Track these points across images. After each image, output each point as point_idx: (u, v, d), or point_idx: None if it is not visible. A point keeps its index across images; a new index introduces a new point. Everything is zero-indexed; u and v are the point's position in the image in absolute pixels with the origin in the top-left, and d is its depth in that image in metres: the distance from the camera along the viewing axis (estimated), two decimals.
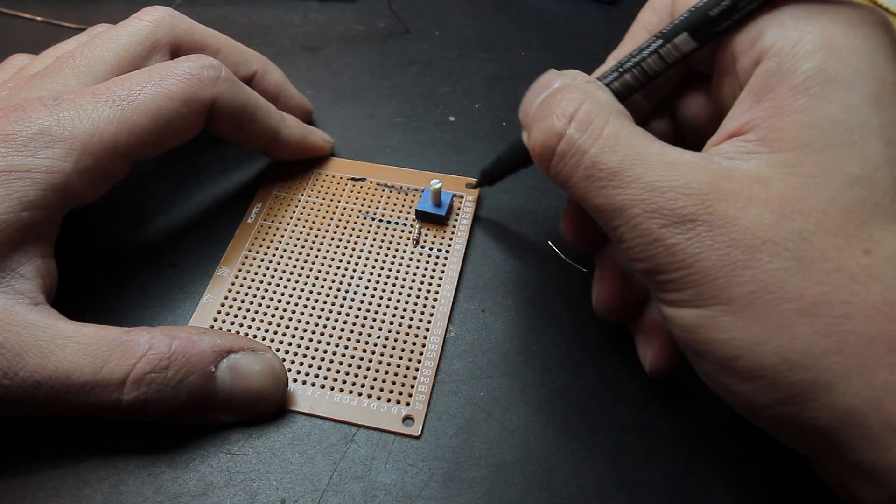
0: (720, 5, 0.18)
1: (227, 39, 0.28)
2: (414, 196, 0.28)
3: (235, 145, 0.27)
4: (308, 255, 0.26)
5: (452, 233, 0.27)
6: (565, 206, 0.23)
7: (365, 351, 0.24)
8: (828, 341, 0.15)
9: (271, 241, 0.27)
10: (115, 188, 0.23)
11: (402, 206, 0.28)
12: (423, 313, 0.25)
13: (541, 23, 0.38)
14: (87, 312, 0.24)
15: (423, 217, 0.27)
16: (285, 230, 0.27)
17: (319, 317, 0.24)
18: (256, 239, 0.27)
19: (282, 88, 0.30)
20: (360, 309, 0.25)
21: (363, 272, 0.26)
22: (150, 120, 0.22)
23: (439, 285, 0.25)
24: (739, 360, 0.16)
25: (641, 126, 0.19)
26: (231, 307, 0.25)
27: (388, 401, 0.22)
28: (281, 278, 0.25)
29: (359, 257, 0.26)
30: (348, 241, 0.27)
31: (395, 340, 0.24)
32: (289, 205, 0.28)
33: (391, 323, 0.24)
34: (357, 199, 0.28)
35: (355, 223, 0.27)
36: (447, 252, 0.26)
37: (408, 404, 0.22)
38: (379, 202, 0.28)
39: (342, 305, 0.25)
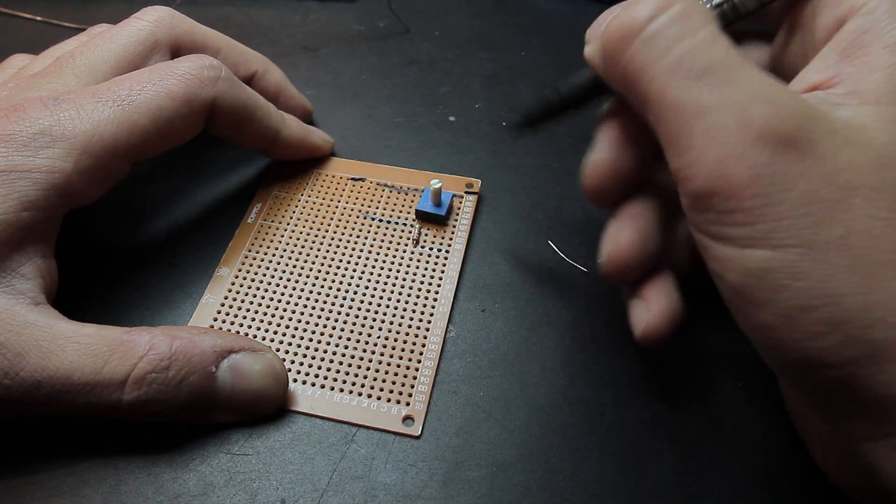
0: None
1: (227, 39, 0.28)
2: (414, 196, 0.28)
3: (235, 145, 0.27)
4: (308, 255, 0.26)
5: (452, 233, 0.27)
6: (594, 147, 0.21)
7: (365, 351, 0.24)
8: None
9: (271, 241, 0.27)
10: (115, 188, 0.23)
11: (402, 206, 0.28)
12: (423, 313, 0.25)
13: (541, 23, 0.38)
14: (88, 312, 0.24)
15: (423, 217, 0.27)
16: (285, 230, 0.27)
17: (319, 317, 0.24)
18: (256, 239, 0.27)
19: (282, 88, 0.30)
20: (360, 309, 0.25)
21: (363, 272, 0.26)
22: (151, 120, 0.22)
23: (439, 285, 0.25)
24: (816, 311, 0.14)
25: None
26: (231, 307, 0.25)
27: (388, 401, 0.22)
28: (281, 278, 0.25)
29: (359, 257, 0.26)
30: (348, 241, 0.27)
31: (395, 340, 0.24)
32: (289, 205, 0.28)
33: (391, 323, 0.24)
34: (357, 199, 0.28)
35: (355, 223, 0.27)
36: (447, 252, 0.26)
37: (408, 404, 0.22)
38: (379, 202, 0.28)
39: (342, 305, 0.25)
